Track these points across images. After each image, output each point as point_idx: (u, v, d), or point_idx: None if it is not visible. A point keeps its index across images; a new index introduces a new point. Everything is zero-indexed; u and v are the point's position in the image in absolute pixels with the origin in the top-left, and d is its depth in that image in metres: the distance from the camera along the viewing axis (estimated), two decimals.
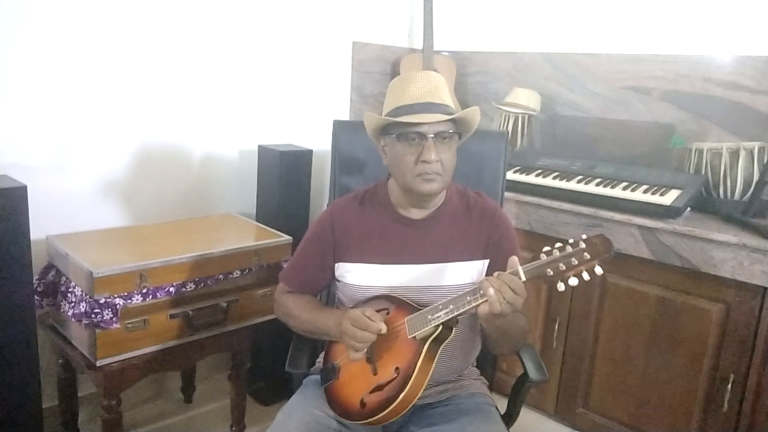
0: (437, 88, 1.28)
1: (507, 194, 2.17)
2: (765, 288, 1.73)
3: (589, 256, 1.08)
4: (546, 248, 1.12)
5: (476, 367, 1.50)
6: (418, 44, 2.80)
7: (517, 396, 1.45)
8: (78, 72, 1.90)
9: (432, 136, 1.24)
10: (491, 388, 1.51)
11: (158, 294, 1.69)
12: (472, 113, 1.30)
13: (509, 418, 1.45)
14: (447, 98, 1.29)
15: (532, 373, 1.40)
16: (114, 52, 1.97)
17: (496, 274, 1.12)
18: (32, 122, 1.84)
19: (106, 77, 1.97)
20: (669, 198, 1.93)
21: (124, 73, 2.01)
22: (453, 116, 1.27)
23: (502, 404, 1.47)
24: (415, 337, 1.21)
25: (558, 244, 1.11)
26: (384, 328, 1.21)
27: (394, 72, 2.85)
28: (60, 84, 1.87)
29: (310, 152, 2.27)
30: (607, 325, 2.09)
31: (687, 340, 1.90)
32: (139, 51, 2.03)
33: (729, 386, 1.81)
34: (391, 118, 1.27)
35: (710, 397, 1.88)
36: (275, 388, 2.27)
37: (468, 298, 1.15)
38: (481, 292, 1.11)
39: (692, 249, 1.83)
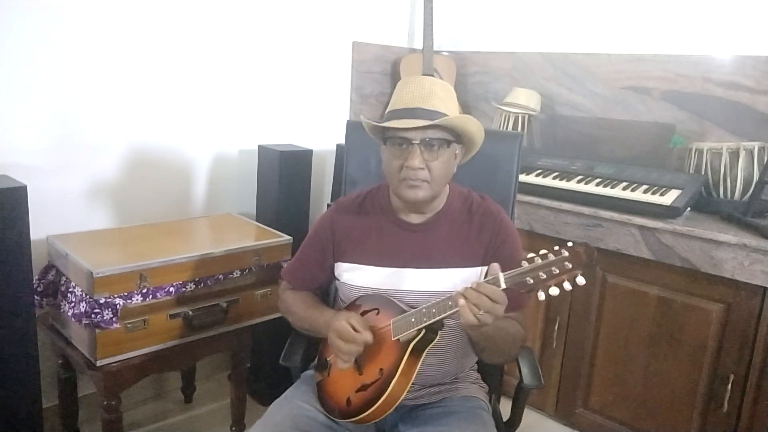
0: (431, 93, 1.23)
1: None
2: (765, 288, 1.73)
3: (570, 266, 1.03)
4: (530, 255, 1.07)
5: (478, 371, 1.48)
6: (418, 44, 2.80)
7: (517, 402, 1.44)
8: (78, 72, 1.90)
9: (417, 142, 1.21)
10: (500, 393, 1.49)
11: (158, 294, 1.69)
12: (460, 121, 1.23)
13: (512, 424, 1.44)
14: (441, 104, 1.23)
15: (527, 378, 1.38)
16: (114, 52, 1.97)
17: (474, 283, 1.08)
18: (32, 122, 1.84)
19: (106, 77, 1.97)
20: (669, 198, 1.93)
21: (125, 73, 2.01)
22: (434, 122, 1.20)
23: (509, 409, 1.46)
24: (398, 339, 1.21)
25: (542, 251, 1.07)
26: (370, 339, 1.20)
27: (394, 72, 2.85)
28: (60, 84, 1.87)
29: (310, 152, 2.27)
30: (607, 325, 2.09)
31: (687, 340, 1.90)
32: (140, 51, 2.03)
33: (729, 386, 1.81)
34: (376, 123, 1.27)
35: (710, 397, 1.88)
36: (275, 388, 2.25)
37: (449, 302, 1.13)
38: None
39: (692, 249, 1.83)
